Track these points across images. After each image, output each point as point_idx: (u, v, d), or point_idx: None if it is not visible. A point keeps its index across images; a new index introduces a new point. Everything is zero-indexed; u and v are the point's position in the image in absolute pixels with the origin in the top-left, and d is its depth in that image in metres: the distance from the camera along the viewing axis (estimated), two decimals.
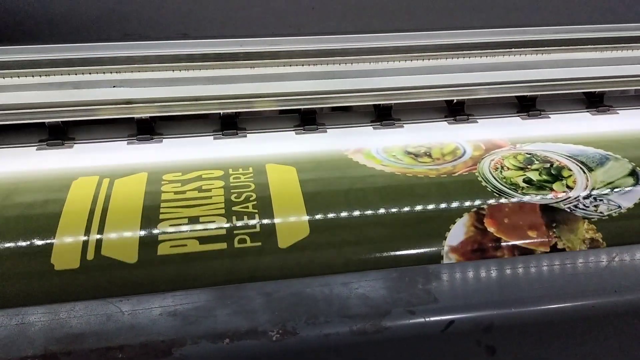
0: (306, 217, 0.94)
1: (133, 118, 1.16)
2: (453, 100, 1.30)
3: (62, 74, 1.08)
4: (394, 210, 0.97)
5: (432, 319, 0.72)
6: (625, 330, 0.79)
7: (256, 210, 0.95)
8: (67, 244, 0.88)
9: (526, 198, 1.00)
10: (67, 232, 0.89)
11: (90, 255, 0.87)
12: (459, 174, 1.05)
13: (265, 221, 0.93)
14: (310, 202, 0.97)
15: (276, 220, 0.93)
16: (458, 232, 0.94)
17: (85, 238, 0.88)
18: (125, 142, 1.17)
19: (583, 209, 0.98)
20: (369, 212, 0.96)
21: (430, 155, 1.11)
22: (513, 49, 1.27)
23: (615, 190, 1.02)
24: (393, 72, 1.25)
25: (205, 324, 0.70)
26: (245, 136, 1.21)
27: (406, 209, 0.97)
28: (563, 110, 1.36)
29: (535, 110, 1.34)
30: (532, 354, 0.75)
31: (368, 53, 1.23)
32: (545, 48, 1.30)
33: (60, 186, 0.99)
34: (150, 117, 1.17)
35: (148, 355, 0.66)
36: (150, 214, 0.93)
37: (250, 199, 0.97)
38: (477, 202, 0.98)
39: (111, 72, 1.10)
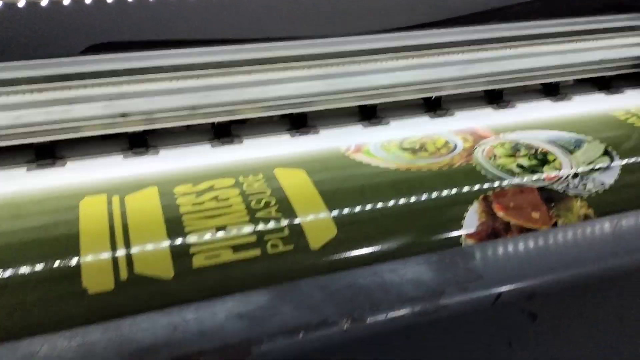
0: (330, 217, 0.96)
1: (125, 132, 1.13)
2: (431, 96, 1.37)
3: (55, 90, 1.02)
4: (409, 202, 1.01)
5: (482, 293, 0.77)
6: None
7: (280, 215, 0.95)
8: (96, 265, 0.84)
9: (524, 182, 1.08)
10: (93, 253, 0.85)
11: (123, 275, 0.84)
12: (459, 165, 1.12)
13: (292, 224, 0.94)
14: (330, 201, 0.99)
15: (302, 223, 0.94)
16: (472, 219, 1.00)
17: (113, 258, 0.85)
18: (121, 156, 1.13)
19: (574, 189, 1.08)
20: (387, 206, 1.00)
21: (426, 150, 1.17)
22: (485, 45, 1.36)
23: (597, 169, 1.13)
24: (378, 72, 1.30)
25: (276, 321, 0.71)
26: (242, 142, 1.21)
27: (421, 201, 1.02)
28: (527, 100, 1.47)
29: (504, 101, 1.44)
30: (567, 315, 0.82)
31: (357, 55, 1.26)
32: (512, 43, 1.40)
33: (67, 207, 0.95)
34: (144, 130, 1.13)
35: (229, 358, 0.66)
36: (175, 227, 0.91)
37: (271, 204, 0.98)
38: (483, 189, 1.05)
39: (107, 85, 1.06)
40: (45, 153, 1.07)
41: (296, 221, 0.95)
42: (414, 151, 1.16)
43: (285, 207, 0.97)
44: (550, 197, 1.06)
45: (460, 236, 0.97)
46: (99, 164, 1.10)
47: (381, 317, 0.72)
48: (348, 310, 0.72)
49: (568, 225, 0.97)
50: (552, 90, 1.50)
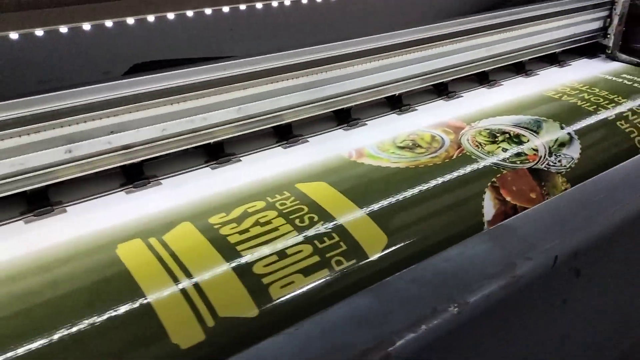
0: (377, 226, 0.98)
1: (120, 165, 1.02)
2: (395, 94, 1.44)
3: (53, 128, 0.89)
4: (436, 198, 1.07)
5: (542, 259, 0.86)
6: None
7: (330, 230, 0.95)
8: (178, 317, 0.77)
9: (516, 165, 1.19)
10: (167, 306, 0.78)
11: (209, 322, 0.78)
12: (456, 156, 1.20)
13: (345, 238, 0.94)
14: (367, 209, 1.00)
15: (355, 236, 0.95)
16: (489, 208, 1.09)
17: (192, 305, 0.78)
18: (123, 192, 1.02)
19: (554, 166, 1.22)
20: (420, 205, 1.04)
21: (420, 146, 1.23)
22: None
23: (563, 145, 1.29)
24: (348, 77, 1.33)
25: (394, 320, 0.72)
26: (240, 160, 1.16)
27: (444, 195, 1.08)
28: (468, 89, 1.61)
29: (451, 92, 1.56)
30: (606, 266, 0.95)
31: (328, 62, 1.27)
32: (451, 39, 1.52)
33: (108, 260, 0.84)
34: (141, 160, 1.04)
35: None
36: (235, 260, 0.86)
37: (314, 220, 0.96)
38: (488, 177, 1.14)
39: (108, 117, 0.94)
40: (40, 199, 0.93)
41: (347, 234, 0.95)
42: (410, 148, 1.22)
43: (330, 221, 0.96)
44: (540, 176, 1.19)
45: (483, 226, 1.06)
46: (102, 204, 0.99)
47: (479, 295, 0.78)
48: (449, 296, 0.76)
49: (567, 192, 1.10)
50: (484, 79, 1.65)
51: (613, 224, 0.97)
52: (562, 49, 1.84)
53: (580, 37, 1.87)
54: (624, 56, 1.86)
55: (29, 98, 0.90)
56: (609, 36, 1.90)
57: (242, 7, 1.16)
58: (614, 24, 1.88)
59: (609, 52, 1.90)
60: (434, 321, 0.73)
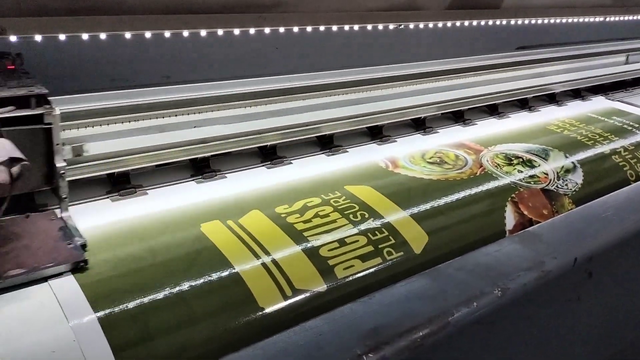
0: (419, 225, 1.12)
1: (190, 158, 1.14)
2: (421, 117, 1.60)
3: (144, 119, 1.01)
4: (467, 206, 1.22)
5: (565, 259, 1.01)
6: None
7: (379, 225, 1.08)
8: (263, 286, 0.89)
9: (530, 185, 1.35)
10: (254, 276, 0.90)
11: (288, 292, 0.90)
12: (479, 173, 1.35)
13: (394, 233, 1.08)
14: (409, 211, 1.14)
15: (401, 232, 1.09)
16: (510, 219, 1.24)
17: (273, 277, 0.91)
18: (194, 181, 1.14)
19: (562, 188, 1.39)
20: (454, 212, 1.19)
21: (446, 162, 1.39)
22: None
23: (569, 171, 1.46)
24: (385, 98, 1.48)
25: (451, 297, 0.86)
26: (291, 163, 1.29)
27: (473, 204, 1.23)
28: (481, 118, 1.78)
29: (467, 119, 1.72)
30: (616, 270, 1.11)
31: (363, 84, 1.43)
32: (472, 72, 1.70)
33: (196, 236, 0.96)
34: (211, 155, 1.16)
35: (435, 328, 0.81)
36: (304, 244, 0.99)
37: (366, 217, 1.10)
38: (508, 193, 1.30)
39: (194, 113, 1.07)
40: (124, 182, 1.05)
41: (395, 230, 1.09)
42: (438, 164, 1.37)
43: (379, 219, 1.10)
44: (550, 196, 1.35)
45: (505, 231, 1.21)
46: (176, 190, 1.11)
47: (517, 284, 0.93)
48: (492, 283, 0.90)
49: (578, 208, 1.27)
50: (494, 110, 1.83)
51: (619, 236, 1.13)
52: None
53: None
54: None
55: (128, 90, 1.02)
56: None
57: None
58: None
59: None
60: (482, 300, 0.87)
